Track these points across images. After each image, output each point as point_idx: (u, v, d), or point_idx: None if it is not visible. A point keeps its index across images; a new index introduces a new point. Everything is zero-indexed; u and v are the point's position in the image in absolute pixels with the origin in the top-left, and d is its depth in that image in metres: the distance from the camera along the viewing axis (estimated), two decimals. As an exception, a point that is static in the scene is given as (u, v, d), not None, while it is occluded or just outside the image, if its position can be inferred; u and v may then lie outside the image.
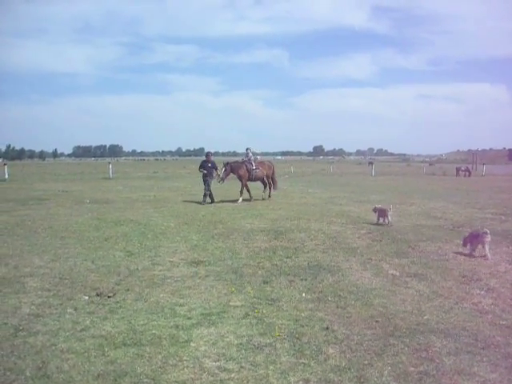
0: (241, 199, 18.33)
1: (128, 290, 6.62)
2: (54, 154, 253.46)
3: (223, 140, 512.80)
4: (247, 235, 10.77)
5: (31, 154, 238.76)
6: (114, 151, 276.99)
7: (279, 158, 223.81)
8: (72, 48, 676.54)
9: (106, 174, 39.91)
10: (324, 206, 17.04)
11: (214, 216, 14.06)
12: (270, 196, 19.57)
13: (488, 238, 8.74)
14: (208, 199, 17.99)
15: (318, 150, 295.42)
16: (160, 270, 7.73)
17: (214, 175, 18.63)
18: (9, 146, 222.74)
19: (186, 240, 10.29)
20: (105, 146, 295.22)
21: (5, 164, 38.09)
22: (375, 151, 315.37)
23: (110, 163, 42.46)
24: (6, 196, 20.78)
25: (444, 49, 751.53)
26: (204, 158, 19.52)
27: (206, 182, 18.24)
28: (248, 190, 18.81)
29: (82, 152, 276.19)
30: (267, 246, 9.72)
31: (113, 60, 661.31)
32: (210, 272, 7.61)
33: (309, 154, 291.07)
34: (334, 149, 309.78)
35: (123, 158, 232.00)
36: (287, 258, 8.66)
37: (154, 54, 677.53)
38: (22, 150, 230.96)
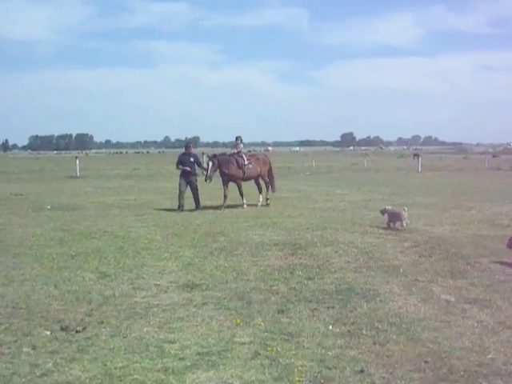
0: (245, 202, 18.26)
1: (102, 322, 6.66)
2: (5, 146, 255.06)
3: (224, 126, 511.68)
4: (256, 250, 10.79)
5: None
6: (83, 142, 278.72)
7: (297, 149, 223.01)
8: (27, 9, 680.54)
9: (73, 171, 40.19)
10: (356, 211, 17.02)
11: (212, 225, 14.09)
12: (267, 200, 19.01)
13: None
14: (184, 204, 17.80)
15: (347, 139, 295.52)
16: (143, 297, 7.76)
17: (198, 172, 18.53)
18: None
19: (176, 257, 10.33)
20: (70, 135, 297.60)
21: None
22: (422, 139, 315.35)
23: (77, 158, 42.80)
24: None
25: (510, 5, 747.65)
26: (183, 150, 19.10)
27: (189, 183, 17.97)
28: (234, 195, 18.60)
29: (40, 143, 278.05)
30: (282, 264, 9.74)
31: (79, 23, 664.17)
32: (209, 298, 7.64)
33: (335, 143, 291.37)
34: (369, 137, 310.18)
35: (94, 150, 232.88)
36: (308, 279, 8.67)
37: (133, 15, 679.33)
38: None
